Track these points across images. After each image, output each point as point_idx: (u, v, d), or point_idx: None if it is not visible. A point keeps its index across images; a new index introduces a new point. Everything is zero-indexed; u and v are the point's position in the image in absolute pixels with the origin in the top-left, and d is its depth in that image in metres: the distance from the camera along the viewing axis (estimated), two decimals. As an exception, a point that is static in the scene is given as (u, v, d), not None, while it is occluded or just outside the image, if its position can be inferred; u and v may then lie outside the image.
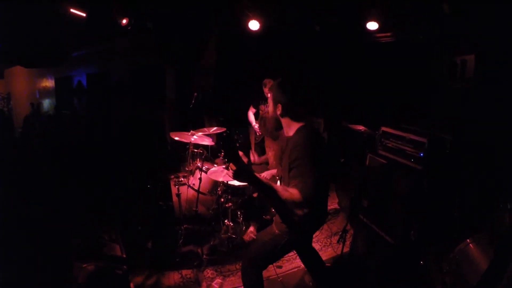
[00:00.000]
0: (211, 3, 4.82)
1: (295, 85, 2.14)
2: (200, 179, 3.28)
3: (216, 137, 4.80)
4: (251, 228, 3.81)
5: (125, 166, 5.22)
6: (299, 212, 1.93)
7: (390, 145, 3.35)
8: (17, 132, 6.73)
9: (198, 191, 3.32)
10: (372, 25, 4.52)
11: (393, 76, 4.65)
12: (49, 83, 7.46)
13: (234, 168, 1.84)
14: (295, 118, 2.12)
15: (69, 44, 5.52)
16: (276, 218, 2.27)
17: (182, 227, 3.65)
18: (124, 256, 3.29)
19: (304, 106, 2.15)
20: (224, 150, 1.79)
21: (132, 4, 4.31)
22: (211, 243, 3.68)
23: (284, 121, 2.15)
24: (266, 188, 1.88)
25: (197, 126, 4.14)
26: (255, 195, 4.04)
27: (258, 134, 4.92)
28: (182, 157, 5.56)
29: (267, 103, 4.76)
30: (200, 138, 3.50)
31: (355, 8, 4.48)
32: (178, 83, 6.13)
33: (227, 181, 3.35)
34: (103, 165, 5.17)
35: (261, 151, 5.00)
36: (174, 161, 5.59)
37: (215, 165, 3.74)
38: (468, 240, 2.52)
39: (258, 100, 4.92)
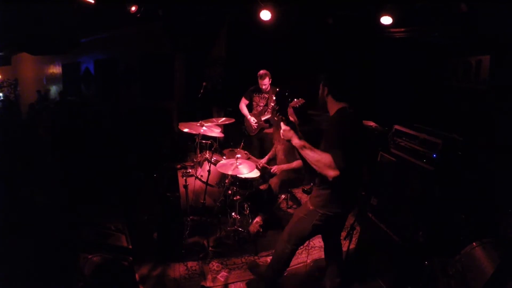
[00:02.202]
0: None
1: (339, 71, 2.41)
2: (209, 171, 3.16)
3: (224, 128, 4.67)
4: (257, 219, 3.72)
5: (132, 155, 5.11)
6: (330, 173, 2.04)
7: (402, 144, 3.21)
8: (24, 118, 6.61)
9: (206, 183, 3.20)
10: (386, 20, 4.35)
11: (404, 74, 4.49)
12: (56, 69, 7.29)
13: (285, 126, 2.20)
14: (336, 98, 2.30)
15: (78, 31, 5.35)
16: (312, 194, 2.43)
17: (188, 219, 3.56)
18: (130, 247, 3.21)
19: (344, 87, 2.35)
20: (280, 106, 2.16)
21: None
22: (217, 235, 3.58)
23: (328, 101, 2.36)
24: (306, 148, 2.14)
25: (205, 116, 4.01)
26: (262, 187, 3.93)
27: (254, 127, 4.77)
28: (190, 147, 5.44)
29: (262, 94, 4.68)
30: (209, 129, 3.37)
31: (369, 1, 4.31)
32: (187, 72, 5.95)
33: (236, 174, 3.24)
34: (109, 153, 5.07)
35: (259, 143, 4.86)
36: (180, 150, 5.47)
37: (224, 157, 3.61)
38: (474, 243, 2.47)
39: (251, 91, 4.79)
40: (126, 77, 6.36)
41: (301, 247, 3.50)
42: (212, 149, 3.20)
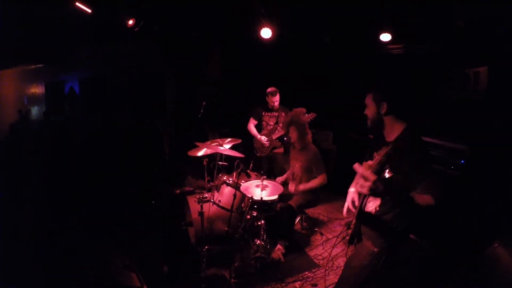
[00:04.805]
0: (221, 9, 4.40)
1: (399, 83, 2.07)
2: (235, 195, 2.80)
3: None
4: (279, 246, 3.39)
5: (123, 179, 4.58)
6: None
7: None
8: (3, 139, 5.84)
9: (231, 209, 2.83)
10: (385, 37, 4.34)
11: (404, 87, 4.43)
12: (38, 89, 6.62)
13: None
14: (400, 117, 1.91)
15: (70, 42, 4.84)
16: (372, 235, 1.97)
17: (204, 249, 3.13)
18: (145, 287, 2.74)
19: (408, 102, 2.01)
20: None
21: (140, 5, 3.80)
22: (236, 264, 3.19)
23: (386, 121, 1.94)
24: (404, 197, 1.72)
25: (201, 137, 3.67)
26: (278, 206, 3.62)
27: (266, 146, 4.51)
28: (186, 170, 5.05)
29: (271, 112, 4.48)
30: (228, 149, 3.04)
31: (368, 19, 4.28)
32: (179, 91, 5.57)
33: (261, 197, 2.91)
34: (98, 178, 4.52)
35: (269, 164, 4.58)
36: (176, 174, 5.03)
37: (242, 180, 3.25)
38: (495, 244, 2.44)
39: (260, 111, 4.54)
40: (114, 97, 5.83)
41: (327, 267, 3.28)
42: (239, 170, 2.86)
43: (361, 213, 1.95)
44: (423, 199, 1.69)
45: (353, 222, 2.03)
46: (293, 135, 3.50)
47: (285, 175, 3.76)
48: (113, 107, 5.85)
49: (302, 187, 3.47)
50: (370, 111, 1.99)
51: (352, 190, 2.21)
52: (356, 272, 1.98)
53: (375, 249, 1.91)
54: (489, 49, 3.78)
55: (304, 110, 3.62)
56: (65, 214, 3.74)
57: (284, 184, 3.66)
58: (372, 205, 1.99)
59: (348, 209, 2.11)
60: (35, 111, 6.71)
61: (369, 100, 2.00)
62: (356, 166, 1.72)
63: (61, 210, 3.77)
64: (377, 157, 1.81)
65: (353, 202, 2.09)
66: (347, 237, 2.05)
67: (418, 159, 1.77)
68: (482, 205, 2.98)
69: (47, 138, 5.57)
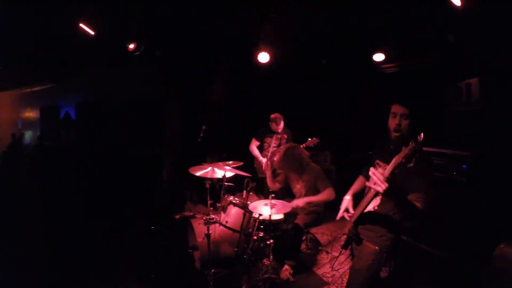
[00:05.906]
0: (223, 35, 4.45)
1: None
2: (244, 214, 2.73)
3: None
4: (286, 266, 3.29)
5: (122, 205, 4.45)
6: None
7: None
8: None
9: (240, 230, 2.76)
10: (379, 57, 4.46)
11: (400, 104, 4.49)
12: (33, 113, 6.46)
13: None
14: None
15: (69, 62, 4.79)
16: (371, 235, 2.07)
17: (210, 272, 3.01)
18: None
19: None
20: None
21: (141, 29, 3.81)
22: (243, 287, 3.07)
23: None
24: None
25: (198, 161, 3.64)
26: (284, 227, 3.54)
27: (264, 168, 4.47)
28: (186, 195, 4.96)
29: (275, 135, 4.48)
30: (233, 169, 3.00)
31: (362, 40, 4.40)
32: (180, 117, 5.50)
33: (270, 216, 2.84)
34: (97, 203, 4.38)
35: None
36: (175, 200, 4.93)
37: (249, 201, 3.18)
38: (502, 245, 2.47)
39: (263, 133, 4.55)
40: (111, 122, 5.72)
41: (336, 283, 3.22)
42: (248, 188, 2.78)
43: (361, 215, 1.98)
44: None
45: (347, 228, 2.10)
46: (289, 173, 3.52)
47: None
48: (110, 133, 5.74)
49: (308, 199, 3.38)
50: (404, 125, 1.99)
51: (347, 198, 2.31)
52: (362, 273, 2.03)
53: (376, 248, 2.01)
54: (479, 61, 3.88)
55: (297, 145, 3.63)
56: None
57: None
58: (371, 208, 2.07)
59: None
60: (28, 135, 6.56)
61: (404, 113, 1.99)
62: (372, 170, 1.70)
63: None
64: (396, 159, 1.73)
65: (347, 209, 2.20)
66: (342, 243, 2.12)
67: (425, 172, 1.86)
68: (486, 208, 3.01)
69: (40, 162, 5.39)
